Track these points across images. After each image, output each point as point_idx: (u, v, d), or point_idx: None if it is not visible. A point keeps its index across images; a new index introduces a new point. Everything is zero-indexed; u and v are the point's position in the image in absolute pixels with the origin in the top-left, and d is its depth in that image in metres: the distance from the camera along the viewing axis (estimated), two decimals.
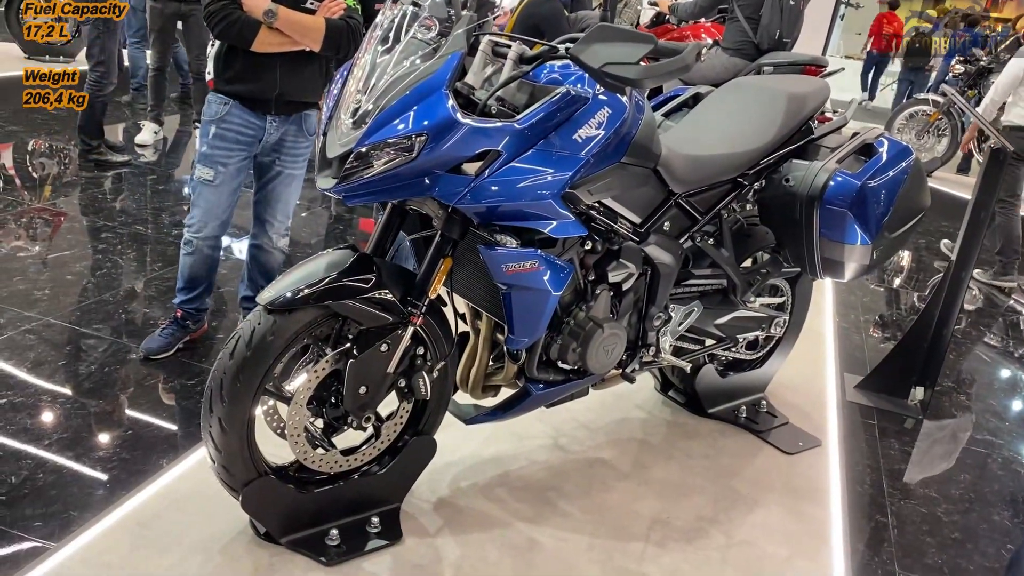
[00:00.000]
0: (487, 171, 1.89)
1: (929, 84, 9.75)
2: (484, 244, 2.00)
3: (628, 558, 2.29)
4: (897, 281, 5.65)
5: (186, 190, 5.25)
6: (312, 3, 2.76)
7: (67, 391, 2.82)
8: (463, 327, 2.42)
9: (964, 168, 7.97)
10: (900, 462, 3.19)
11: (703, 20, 5.49)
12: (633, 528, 2.41)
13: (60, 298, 3.47)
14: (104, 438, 2.59)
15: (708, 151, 2.52)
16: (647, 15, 6.79)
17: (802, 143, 2.67)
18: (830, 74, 4.00)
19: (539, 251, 2.03)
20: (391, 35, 1.97)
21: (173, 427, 2.71)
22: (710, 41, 5.28)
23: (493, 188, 1.90)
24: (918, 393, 3.68)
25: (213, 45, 2.79)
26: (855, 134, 2.68)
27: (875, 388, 3.71)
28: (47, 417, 2.65)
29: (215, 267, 3.10)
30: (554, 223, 2.02)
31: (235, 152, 2.88)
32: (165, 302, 3.55)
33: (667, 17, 5.63)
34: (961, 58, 7.75)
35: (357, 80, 1.94)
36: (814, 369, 3.71)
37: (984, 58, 7.40)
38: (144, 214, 4.76)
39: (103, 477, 2.39)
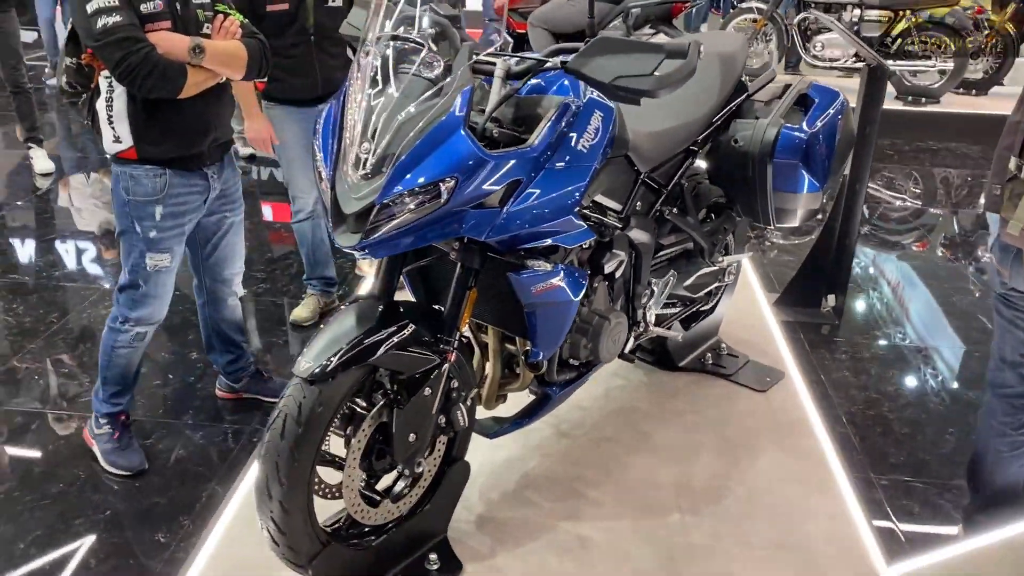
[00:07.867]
0: (511, 200, 1.86)
1: None
2: (511, 270, 1.98)
3: (671, 531, 2.39)
4: None
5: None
6: (206, 27, 2.46)
7: None
8: None
9: (793, 64, 8.44)
10: (836, 370, 3.46)
11: None
12: (662, 499, 2.52)
13: None
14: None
15: (664, 125, 2.57)
16: None
17: (740, 100, 2.77)
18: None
19: (560, 265, 2.04)
20: (379, 76, 1.87)
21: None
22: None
23: (518, 216, 1.87)
24: (830, 300, 3.98)
25: (110, 103, 2.37)
26: (787, 86, 2.80)
27: (791, 303, 3.99)
28: None
29: None
30: (571, 235, 2.02)
31: (187, 224, 2.58)
32: None
33: None
34: None
35: (353, 127, 1.83)
36: (745, 297, 3.90)
37: None
38: None
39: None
